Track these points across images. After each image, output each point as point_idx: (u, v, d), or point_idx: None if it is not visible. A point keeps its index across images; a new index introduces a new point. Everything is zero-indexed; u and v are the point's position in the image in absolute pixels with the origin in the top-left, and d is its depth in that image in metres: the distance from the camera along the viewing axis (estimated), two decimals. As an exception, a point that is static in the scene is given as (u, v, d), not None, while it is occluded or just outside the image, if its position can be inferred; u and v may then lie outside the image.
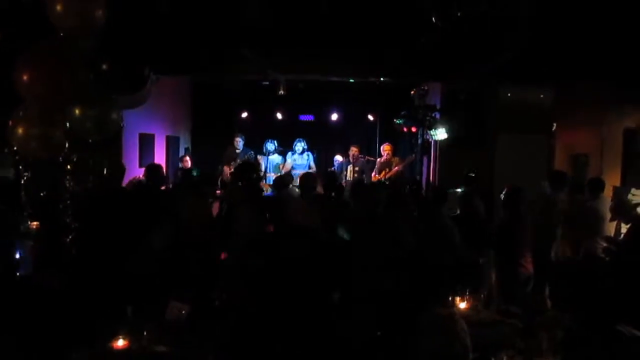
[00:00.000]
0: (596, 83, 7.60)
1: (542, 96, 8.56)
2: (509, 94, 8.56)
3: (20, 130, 3.52)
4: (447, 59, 7.59)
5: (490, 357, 3.17)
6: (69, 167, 3.69)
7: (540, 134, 8.45)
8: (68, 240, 3.74)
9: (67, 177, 3.71)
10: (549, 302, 3.94)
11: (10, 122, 3.57)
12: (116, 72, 3.46)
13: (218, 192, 8.82)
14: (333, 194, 6.41)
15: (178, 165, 10.18)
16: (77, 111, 3.52)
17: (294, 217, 4.38)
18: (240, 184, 5.76)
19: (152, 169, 5.80)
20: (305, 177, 6.47)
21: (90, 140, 3.70)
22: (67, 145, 3.62)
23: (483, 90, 8.40)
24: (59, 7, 3.36)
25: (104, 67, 3.39)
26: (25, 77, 3.43)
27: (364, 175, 9.55)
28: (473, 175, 7.14)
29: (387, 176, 9.19)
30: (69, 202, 3.72)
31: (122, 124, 3.95)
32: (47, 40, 3.50)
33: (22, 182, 3.80)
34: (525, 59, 7.37)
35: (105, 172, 4.15)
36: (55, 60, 3.43)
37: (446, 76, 8.12)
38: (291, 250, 4.43)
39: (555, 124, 8.62)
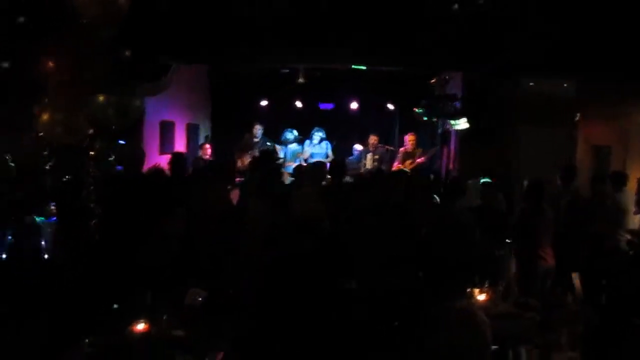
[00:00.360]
0: (620, 74, 7.44)
1: (564, 87, 8.41)
2: (530, 84, 8.43)
3: (45, 117, 3.58)
4: (469, 48, 7.49)
5: (508, 350, 3.16)
6: (91, 153, 3.74)
7: (562, 126, 8.31)
8: (91, 224, 3.79)
9: (91, 163, 3.76)
10: (569, 296, 3.89)
11: (36, 109, 3.63)
12: (138, 60, 3.49)
13: (238, 180, 8.89)
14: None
15: (198, 153, 10.23)
16: (99, 98, 3.56)
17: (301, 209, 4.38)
18: (256, 173, 5.76)
19: (177, 159, 5.79)
20: (314, 166, 6.44)
21: (112, 127, 3.74)
22: (90, 131, 3.67)
23: (504, 81, 8.27)
24: (83, -3, 3.40)
25: (126, 55, 3.42)
26: (49, 65, 3.48)
27: (383, 165, 9.52)
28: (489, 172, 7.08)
29: (411, 167, 9.13)
30: (92, 187, 3.78)
31: (143, 111, 3.97)
32: (71, 29, 3.53)
33: (47, 167, 3.86)
34: (547, 49, 7.24)
35: (125, 158, 4.22)
36: (78, 48, 3.47)
37: (468, 66, 8.02)
38: (297, 244, 4.44)
39: (577, 116, 8.47)
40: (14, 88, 3.81)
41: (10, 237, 4.05)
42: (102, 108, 3.61)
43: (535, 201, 5.48)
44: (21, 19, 3.39)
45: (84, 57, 3.47)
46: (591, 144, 8.42)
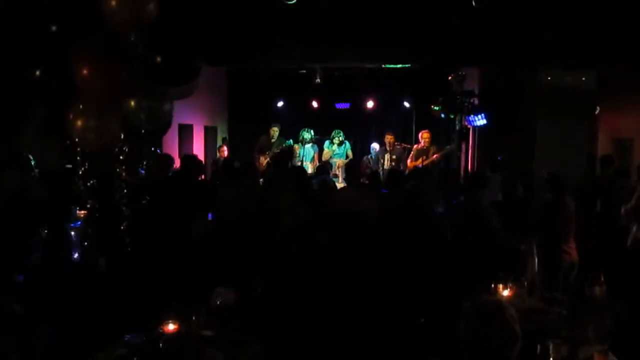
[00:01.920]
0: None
1: (583, 79, 8.33)
2: (549, 78, 8.36)
3: (78, 123, 3.65)
4: (486, 43, 7.46)
5: (535, 345, 3.14)
6: (121, 157, 3.81)
7: (583, 119, 8.23)
8: (122, 227, 3.86)
9: (122, 167, 3.83)
10: (596, 290, 3.86)
11: (69, 115, 3.71)
12: (169, 64, 3.54)
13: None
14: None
15: (216, 155, 10.32)
16: (131, 103, 3.62)
17: (338, 203, 4.41)
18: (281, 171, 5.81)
19: (187, 160, 5.88)
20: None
21: (142, 131, 3.81)
22: (122, 136, 3.74)
23: (522, 75, 8.22)
24: (113, 2, 3.46)
25: (157, 60, 3.47)
26: (82, 71, 3.55)
27: (401, 164, 9.50)
28: (500, 159, 7.04)
29: (424, 164, 9.10)
30: (125, 190, 3.85)
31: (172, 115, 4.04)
32: (103, 35, 3.60)
33: (80, 172, 3.94)
34: (566, 42, 7.18)
35: (154, 162, 4.29)
36: (111, 54, 3.53)
37: (485, 61, 7.98)
38: (331, 237, 4.47)
39: (598, 108, 8.39)
40: (47, 95, 3.89)
41: (42, 242, 4.15)
42: (134, 113, 3.67)
43: (557, 194, 5.45)
44: (53, 27, 3.46)
45: (115, 63, 3.53)
46: (612, 137, 8.34)
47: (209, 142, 10.70)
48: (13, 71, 4.83)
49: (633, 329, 3.55)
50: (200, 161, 6.98)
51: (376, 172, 7.56)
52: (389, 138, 9.62)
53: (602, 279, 3.81)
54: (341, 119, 10.62)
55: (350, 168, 7.59)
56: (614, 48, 7.19)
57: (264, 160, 9.42)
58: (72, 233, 4.72)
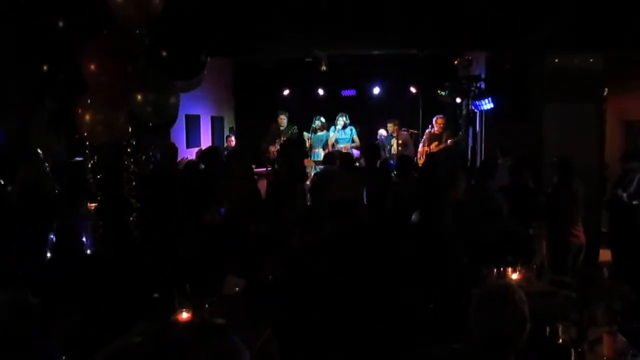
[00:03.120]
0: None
1: (591, 61, 8.25)
2: (556, 61, 8.29)
3: (87, 117, 3.69)
4: (492, 27, 7.40)
5: (545, 327, 3.17)
6: (129, 150, 3.85)
7: (591, 102, 8.17)
8: (131, 219, 3.91)
9: (130, 159, 3.87)
10: (604, 272, 3.88)
11: (78, 109, 3.75)
12: (175, 58, 3.56)
13: (264, 169, 8.99)
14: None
15: (223, 145, 10.36)
16: (138, 97, 3.65)
17: (339, 192, 4.43)
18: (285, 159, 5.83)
19: (207, 154, 5.91)
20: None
21: (150, 124, 3.84)
22: (129, 129, 3.78)
23: (529, 58, 8.16)
24: (120, -3, 3.48)
25: (163, 53, 3.49)
26: (90, 66, 3.58)
27: (407, 149, 9.50)
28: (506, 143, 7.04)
29: (437, 149, 9.11)
30: (133, 183, 3.89)
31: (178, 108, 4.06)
32: (110, 30, 3.62)
33: (89, 165, 3.99)
34: (573, 24, 7.11)
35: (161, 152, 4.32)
36: (119, 49, 3.56)
37: (491, 45, 7.92)
38: (338, 228, 4.49)
39: (606, 90, 8.32)
40: (54, 89, 3.92)
41: (52, 236, 4.21)
42: (141, 106, 3.70)
43: (564, 178, 5.45)
44: (60, 23, 3.48)
45: (122, 57, 3.55)
46: (621, 119, 8.28)
47: (216, 132, 10.73)
48: (20, 66, 4.87)
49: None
50: (220, 154, 7.00)
51: (385, 160, 7.57)
52: (392, 125, 9.61)
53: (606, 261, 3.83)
54: (347, 106, 10.59)
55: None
56: (622, 29, 7.11)
57: (274, 149, 9.42)
58: (83, 225, 4.78)
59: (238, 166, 5.28)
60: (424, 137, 9.45)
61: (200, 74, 4.01)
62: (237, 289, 3.68)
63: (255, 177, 7.22)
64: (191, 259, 3.82)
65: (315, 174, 7.14)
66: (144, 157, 4.51)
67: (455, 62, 9.08)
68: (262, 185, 8.26)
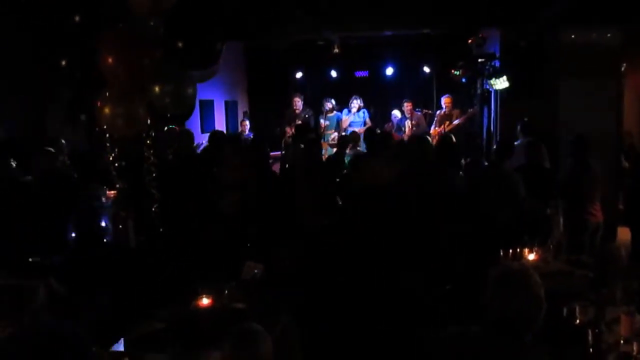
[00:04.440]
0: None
1: (608, 36, 8.09)
2: (572, 36, 8.14)
3: (106, 110, 3.74)
4: (506, 3, 7.29)
5: (562, 307, 3.19)
6: (149, 141, 3.90)
7: (608, 78, 8.03)
8: (154, 208, 3.98)
9: (150, 151, 3.92)
10: (622, 251, 3.86)
11: (97, 102, 3.80)
12: (190, 49, 3.59)
13: (278, 153, 9.02)
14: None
15: (237, 129, 10.40)
16: (156, 89, 3.69)
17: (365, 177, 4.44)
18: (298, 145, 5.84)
19: (215, 136, 5.93)
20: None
21: (168, 115, 3.88)
22: (148, 121, 3.83)
23: (544, 35, 8.02)
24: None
25: (179, 45, 3.52)
26: (108, 60, 3.62)
27: (422, 129, 9.44)
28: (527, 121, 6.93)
29: (447, 129, 9.05)
30: (154, 174, 3.95)
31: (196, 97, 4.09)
32: (126, 23, 3.65)
33: (111, 157, 4.05)
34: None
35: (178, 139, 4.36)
36: (136, 42, 3.58)
37: (505, 21, 7.80)
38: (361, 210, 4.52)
39: (624, 65, 8.16)
40: (74, 84, 3.98)
41: (74, 221, 4.29)
42: (159, 98, 3.73)
43: (581, 156, 5.40)
44: (77, 18, 3.51)
45: (138, 49, 3.58)
46: (639, 95, 8.14)
47: (230, 117, 10.77)
48: (36, 56, 4.93)
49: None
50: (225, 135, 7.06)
51: (402, 141, 7.55)
52: (407, 106, 9.56)
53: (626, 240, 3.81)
54: (361, 87, 10.53)
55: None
56: (638, 1, 6.95)
57: (289, 132, 9.45)
58: (104, 214, 4.86)
59: (231, 153, 5.21)
60: (436, 118, 9.39)
61: (216, 63, 4.03)
62: (255, 271, 3.73)
63: (270, 161, 7.27)
64: (211, 244, 3.88)
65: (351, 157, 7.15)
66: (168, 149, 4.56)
67: (469, 41, 8.95)
68: (276, 168, 8.33)
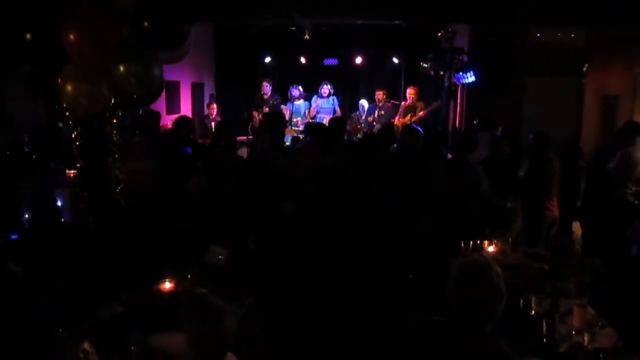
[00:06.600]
0: (630, 22, 7.32)
1: (572, 36, 8.30)
2: (538, 35, 8.32)
3: (69, 88, 3.62)
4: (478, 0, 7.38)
5: (519, 299, 3.28)
6: (114, 121, 3.80)
7: (571, 76, 8.25)
8: (117, 190, 3.89)
9: (114, 131, 3.83)
10: (575, 246, 4.00)
11: (59, 80, 3.67)
12: (157, 29, 3.49)
13: (245, 138, 8.95)
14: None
15: (204, 112, 10.25)
16: (121, 68, 3.59)
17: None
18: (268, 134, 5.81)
19: (181, 122, 5.84)
20: (332, 121, 6.46)
21: (134, 96, 3.78)
22: (112, 101, 3.72)
23: (512, 32, 8.16)
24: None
25: (145, 24, 3.42)
26: (71, 37, 3.49)
27: (387, 120, 9.49)
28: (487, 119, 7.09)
29: (411, 120, 9.12)
30: (117, 155, 3.86)
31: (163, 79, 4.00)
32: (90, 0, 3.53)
33: (73, 136, 3.93)
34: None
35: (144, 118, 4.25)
36: (100, 19, 3.47)
37: (475, 17, 7.90)
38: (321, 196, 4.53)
39: (586, 65, 8.39)
40: (36, 60, 3.83)
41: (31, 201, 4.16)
42: (124, 78, 3.63)
43: (541, 152, 5.54)
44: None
45: (104, 28, 3.47)
46: (599, 94, 8.38)
47: (196, 99, 10.59)
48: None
49: (610, 283, 3.71)
50: (191, 120, 6.95)
51: (371, 134, 7.56)
52: (379, 94, 9.56)
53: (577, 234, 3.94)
54: (330, 75, 10.52)
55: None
56: (604, 4, 7.14)
57: (257, 117, 9.37)
58: (62, 193, 4.72)
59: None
60: (399, 109, 9.44)
61: (184, 45, 3.94)
62: (220, 257, 3.70)
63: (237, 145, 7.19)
64: (175, 228, 3.83)
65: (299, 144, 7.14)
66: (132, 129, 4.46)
67: (439, 34, 9.04)
68: (243, 153, 8.25)
